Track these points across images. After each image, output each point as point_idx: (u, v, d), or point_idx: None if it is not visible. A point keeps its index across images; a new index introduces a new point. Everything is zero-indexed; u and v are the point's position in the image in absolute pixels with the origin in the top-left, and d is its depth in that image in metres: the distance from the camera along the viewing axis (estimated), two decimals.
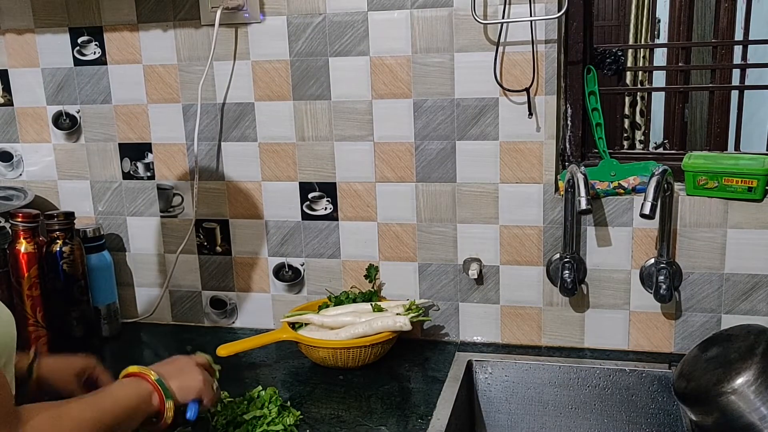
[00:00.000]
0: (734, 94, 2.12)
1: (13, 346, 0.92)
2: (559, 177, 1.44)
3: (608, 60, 1.50)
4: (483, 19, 1.38)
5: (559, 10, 1.33)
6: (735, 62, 1.73)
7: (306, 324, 1.49)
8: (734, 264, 1.38)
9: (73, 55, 1.61)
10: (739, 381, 1.09)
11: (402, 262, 1.55)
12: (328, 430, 1.23)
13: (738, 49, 1.70)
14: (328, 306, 1.53)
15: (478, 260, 1.50)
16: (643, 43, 3.83)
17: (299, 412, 1.25)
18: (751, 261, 1.37)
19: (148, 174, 1.64)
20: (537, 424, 1.46)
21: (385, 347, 1.44)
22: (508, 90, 1.41)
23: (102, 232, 1.61)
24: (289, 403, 1.29)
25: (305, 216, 1.57)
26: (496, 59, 1.39)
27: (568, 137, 1.49)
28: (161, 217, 1.66)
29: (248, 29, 1.51)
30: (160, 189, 1.64)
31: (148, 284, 1.70)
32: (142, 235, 1.68)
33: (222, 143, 1.58)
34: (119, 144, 1.64)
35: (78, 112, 1.64)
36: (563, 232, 1.42)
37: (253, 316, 1.67)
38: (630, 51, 3.54)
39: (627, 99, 3.66)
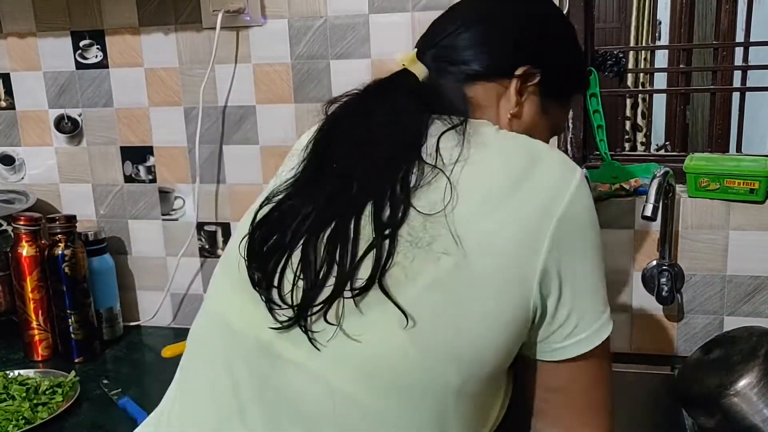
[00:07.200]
0: (735, 95, 2.12)
1: None
2: None
3: (609, 62, 1.50)
4: None
5: None
6: (736, 64, 1.73)
7: None
8: (736, 266, 1.38)
9: (75, 59, 1.61)
10: (742, 383, 1.09)
11: None
12: None
13: (739, 51, 1.70)
14: None
15: None
16: (644, 45, 3.82)
17: None
18: (754, 263, 1.37)
19: (150, 177, 1.64)
20: None
21: None
22: None
23: (104, 236, 1.60)
24: None
25: None
26: None
27: (569, 139, 1.49)
28: (163, 220, 1.66)
29: (249, 32, 1.51)
30: (162, 192, 1.64)
31: (150, 287, 1.70)
32: (144, 238, 1.67)
33: (223, 146, 1.58)
34: (121, 147, 1.64)
35: (80, 116, 1.64)
36: None
37: None
38: (631, 53, 3.53)
39: (628, 101, 3.66)
